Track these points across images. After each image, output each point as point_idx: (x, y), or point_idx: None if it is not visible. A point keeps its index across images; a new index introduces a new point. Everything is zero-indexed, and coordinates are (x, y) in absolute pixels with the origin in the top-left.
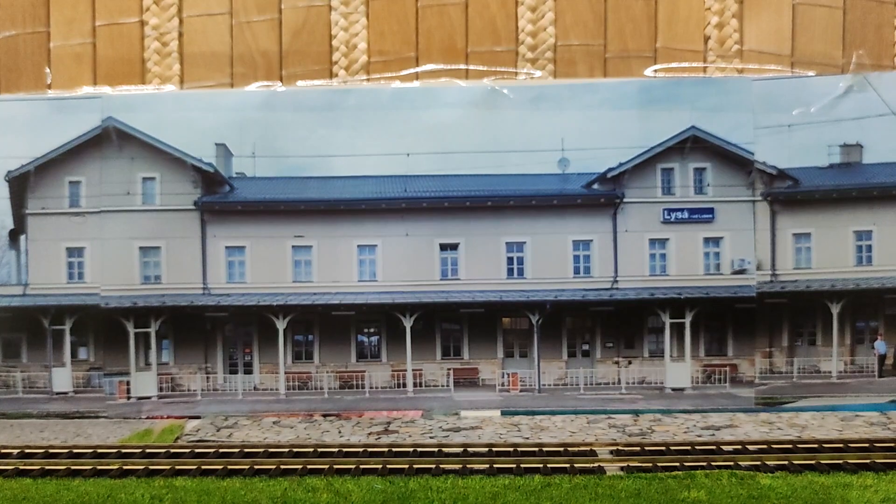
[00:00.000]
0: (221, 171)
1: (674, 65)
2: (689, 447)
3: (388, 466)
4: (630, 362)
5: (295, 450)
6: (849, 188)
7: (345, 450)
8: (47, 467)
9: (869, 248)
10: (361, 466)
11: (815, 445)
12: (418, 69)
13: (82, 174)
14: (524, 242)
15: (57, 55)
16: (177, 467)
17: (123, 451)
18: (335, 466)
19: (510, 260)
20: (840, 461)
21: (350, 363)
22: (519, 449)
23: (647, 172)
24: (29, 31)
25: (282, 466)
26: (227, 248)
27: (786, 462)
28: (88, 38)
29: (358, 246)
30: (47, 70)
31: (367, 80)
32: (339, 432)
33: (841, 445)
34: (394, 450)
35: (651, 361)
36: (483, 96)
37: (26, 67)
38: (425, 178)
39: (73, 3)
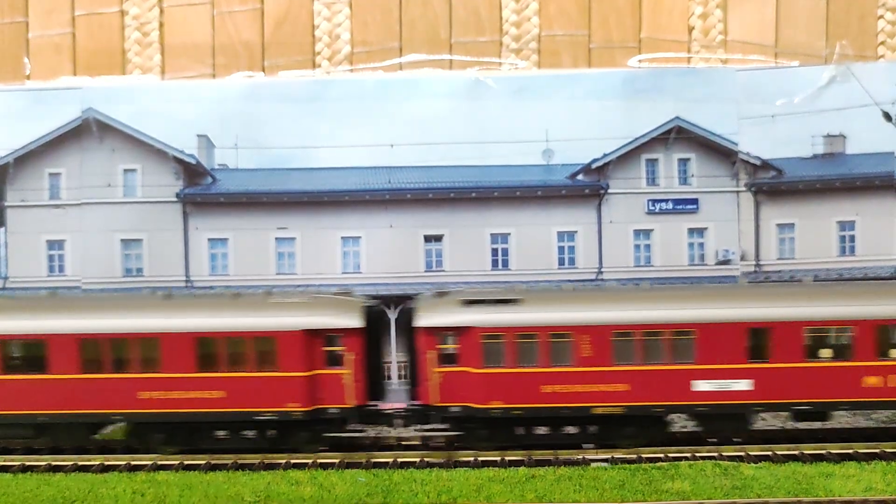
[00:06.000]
0: (203, 162)
1: (658, 55)
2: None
3: (373, 460)
4: None
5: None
6: (832, 178)
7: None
8: (28, 463)
9: (852, 237)
10: (346, 461)
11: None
12: (402, 59)
13: (62, 166)
14: (509, 234)
15: (36, 45)
16: (159, 462)
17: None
18: (319, 461)
19: (495, 251)
20: (823, 451)
21: None
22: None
23: (631, 163)
24: (7, 21)
25: (265, 461)
26: (209, 240)
27: (769, 453)
28: (68, 28)
29: (342, 237)
30: (26, 60)
31: (351, 70)
32: None
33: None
34: (379, 443)
35: None
36: (467, 87)
37: (4, 58)
38: (409, 169)
39: None
